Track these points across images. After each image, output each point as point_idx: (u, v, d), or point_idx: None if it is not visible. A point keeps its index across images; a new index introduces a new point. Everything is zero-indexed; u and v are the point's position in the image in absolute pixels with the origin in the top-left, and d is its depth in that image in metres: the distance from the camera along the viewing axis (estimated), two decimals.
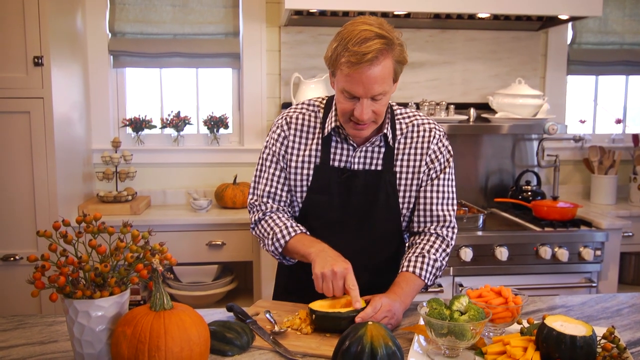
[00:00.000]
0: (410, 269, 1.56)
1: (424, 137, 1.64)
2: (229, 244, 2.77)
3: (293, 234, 1.58)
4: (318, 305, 1.41)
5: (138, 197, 3.00)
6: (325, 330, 1.39)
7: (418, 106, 3.05)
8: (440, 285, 2.59)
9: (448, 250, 1.64)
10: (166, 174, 3.14)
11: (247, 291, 3.07)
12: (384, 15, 2.88)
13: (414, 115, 1.68)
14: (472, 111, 3.10)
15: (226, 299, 2.87)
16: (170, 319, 1.10)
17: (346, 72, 1.43)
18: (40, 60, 2.44)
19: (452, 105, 3.06)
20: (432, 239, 1.63)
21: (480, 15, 2.91)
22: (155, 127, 3.11)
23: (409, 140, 1.64)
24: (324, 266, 1.42)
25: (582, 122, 3.45)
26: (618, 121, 3.51)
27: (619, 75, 3.51)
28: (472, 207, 2.93)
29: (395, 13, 2.84)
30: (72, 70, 2.79)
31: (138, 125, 3.07)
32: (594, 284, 2.68)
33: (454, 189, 1.69)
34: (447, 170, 1.66)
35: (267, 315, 1.46)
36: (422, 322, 1.36)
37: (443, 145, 1.66)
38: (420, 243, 1.63)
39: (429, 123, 1.67)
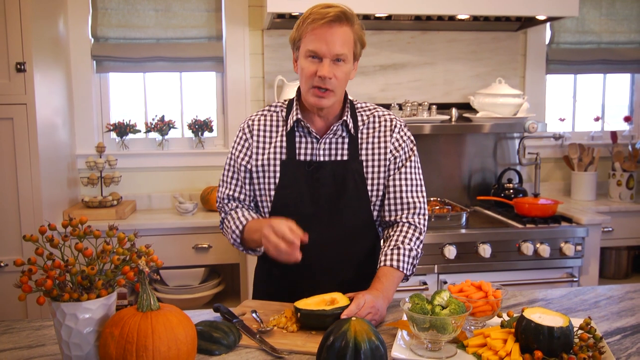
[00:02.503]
0: (388, 262, 1.60)
1: (385, 126, 1.70)
2: (215, 247, 2.79)
3: (243, 225, 1.64)
4: (303, 304, 1.43)
5: (123, 201, 3.00)
6: (311, 328, 1.41)
7: (401, 107, 3.09)
8: (425, 283, 2.63)
9: (421, 237, 1.69)
10: (151, 178, 3.14)
11: (234, 293, 3.08)
12: (366, 17, 2.92)
13: (374, 108, 1.75)
14: (454, 111, 3.15)
15: (213, 302, 2.87)
16: (157, 319, 1.12)
17: (310, 30, 1.54)
18: (22, 67, 2.44)
19: (434, 106, 3.10)
20: (405, 228, 1.67)
21: (460, 17, 2.95)
22: (139, 131, 3.12)
23: (371, 131, 1.70)
24: (265, 244, 1.47)
25: (562, 120, 3.52)
26: (597, 119, 3.58)
27: (596, 73, 3.58)
28: (455, 206, 2.97)
29: (377, 15, 2.88)
30: (55, 75, 2.79)
31: (122, 129, 3.08)
32: (575, 279, 2.74)
33: (422, 177, 1.75)
34: (412, 158, 1.72)
35: (254, 315, 1.48)
36: (405, 317, 1.39)
37: (405, 134, 1.72)
38: (394, 235, 1.66)
39: (389, 114, 1.74)
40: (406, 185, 1.69)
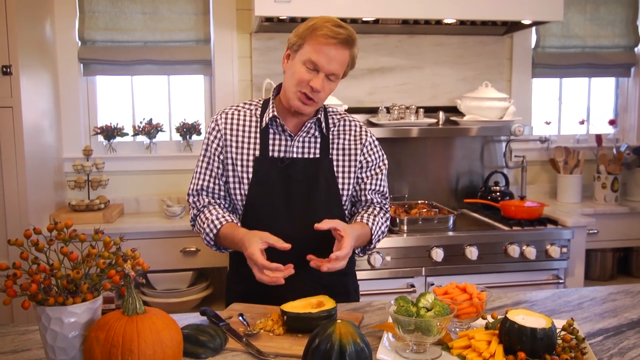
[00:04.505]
0: (364, 220, 1.73)
1: (356, 132, 1.80)
2: (203, 250, 2.78)
3: (218, 225, 1.67)
4: (290, 307, 1.44)
5: (111, 205, 2.99)
6: (297, 331, 1.41)
7: (388, 110, 3.10)
8: (412, 285, 2.64)
9: (388, 223, 1.83)
10: (139, 182, 3.13)
11: (222, 297, 3.04)
12: (353, 21, 2.93)
13: (344, 113, 1.85)
14: (441, 114, 3.17)
15: (201, 305, 2.86)
16: (143, 322, 1.12)
17: (318, 42, 1.59)
18: (8, 69, 2.43)
19: (421, 109, 3.12)
20: (378, 208, 1.81)
21: (446, 21, 2.98)
22: (127, 134, 3.11)
23: (342, 133, 1.79)
24: (249, 260, 1.53)
25: (548, 123, 3.55)
26: (582, 122, 3.62)
27: (581, 77, 3.63)
28: (442, 208, 2.99)
29: (364, 19, 2.90)
30: (42, 78, 2.77)
31: (110, 133, 3.07)
32: (561, 281, 2.77)
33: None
34: (383, 168, 1.84)
35: (240, 318, 1.49)
36: (390, 319, 1.40)
37: (374, 142, 1.83)
38: (368, 209, 1.79)
39: (359, 122, 1.85)
40: (379, 185, 1.82)
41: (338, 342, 1.12)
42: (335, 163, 1.76)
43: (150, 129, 3.10)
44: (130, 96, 3.21)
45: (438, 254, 2.62)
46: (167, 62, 3.08)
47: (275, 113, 1.71)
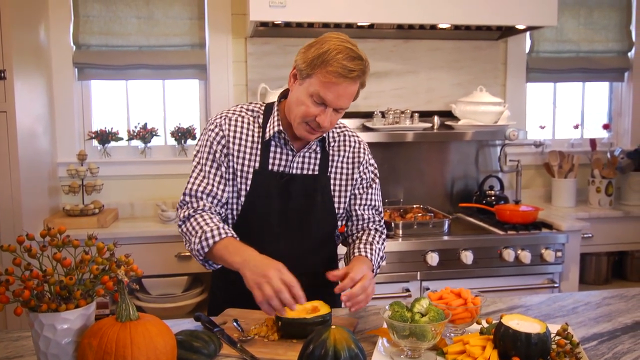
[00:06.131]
0: (363, 253, 1.68)
1: (354, 149, 1.78)
2: None
3: (224, 235, 1.53)
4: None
5: (105, 210, 2.98)
6: (292, 337, 1.41)
7: (383, 114, 3.11)
8: (407, 290, 2.64)
9: (385, 244, 1.82)
10: (134, 186, 3.13)
11: None
12: (348, 26, 2.94)
13: (344, 127, 1.81)
14: (436, 119, 3.18)
15: (196, 311, 2.85)
16: (137, 329, 1.11)
17: (328, 80, 1.50)
18: (3, 74, 2.42)
19: (416, 114, 3.12)
20: (373, 233, 1.79)
21: (441, 26, 2.99)
22: (121, 139, 3.10)
23: (342, 150, 1.76)
24: (258, 281, 1.39)
25: (542, 127, 3.57)
26: (576, 126, 3.63)
27: (576, 82, 3.64)
28: (437, 213, 2.99)
29: (359, 24, 2.90)
30: (36, 83, 2.77)
31: (104, 137, 3.06)
32: (556, 285, 2.77)
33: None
34: (377, 180, 1.83)
35: (235, 324, 1.48)
36: (385, 325, 1.40)
37: (371, 159, 1.82)
38: (363, 236, 1.77)
39: (356, 135, 1.82)
40: (372, 200, 1.81)
41: (332, 348, 1.12)
42: (332, 182, 1.73)
43: (145, 134, 3.10)
44: (125, 101, 3.20)
45: (433, 259, 2.62)
46: (162, 66, 3.08)
47: (281, 127, 1.65)
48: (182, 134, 3.13)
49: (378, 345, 1.34)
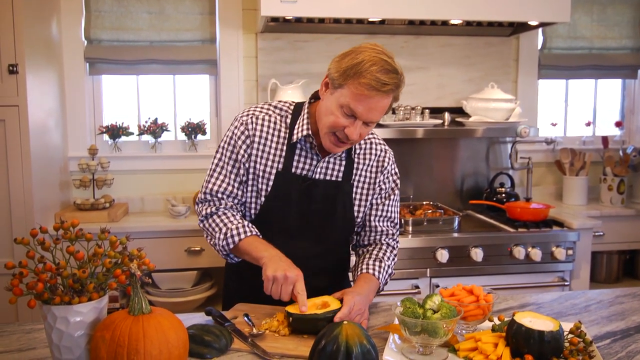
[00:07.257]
0: (370, 270, 1.65)
1: (379, 156, 1.73)
2: (207, 250, 2.78)
3: (249, 234, 1.58)
4: (295, 308, 1.43)
5: (116, 204, 2.99)
6: (303, 332, 1.41)
7: (394, 111, 3.10)
8: (417, 287, 2.63)
9: (396, 258, 1.78)
10: (144, 181, 3.14)
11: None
12: (359, 21, 2.93)
13: (372, 134, 1.76)
14: (447, 115, 3.16)
15: (206, 305, 2.86)
16: (149, 322, 1.11)
17: (360, 92, 1.44)
18: (15, 68, 2.43)
19: (427, 110, 3.11)
20: (384, 247, 1.75)
21: (452, 22, 2.97)
22: (132, 134, 3.11)
23: (367, 156, 1.72)
24: (276, 270, 1.43)
25: (554, 125, 3.54)
26: (588, 124, 3.60)
27: (588, 79, 3.61)
28: (447, 210, 2.98)
29: (370, 20, 2.89)
30: (48, 77, 2.78)
31: (115, 132, 3.07)
32: (566, 283, 2.75)
33: (399, 208, 1.83)
34: (396, 191, 1.78)
35: (245, 319, 1.48)
36: (396, 321, 1.40)
37: (394, 168, 1.77)
38: (373, 250, 1.74)
39: (383, 144, 1.76)
40: (389, 212, 1.76)
41: (344, 344, 1.12)
42: (354, 190, 1.70)
43: (156, 129, 3.10)
44: (135, 95, 3.21)
45: (443, 255, 2.61)
46: (173, 61, 3.08)
47: (310, 132, 1.60)
48: (193, 129, 3.13)
49: (389, 342, 1.34)
